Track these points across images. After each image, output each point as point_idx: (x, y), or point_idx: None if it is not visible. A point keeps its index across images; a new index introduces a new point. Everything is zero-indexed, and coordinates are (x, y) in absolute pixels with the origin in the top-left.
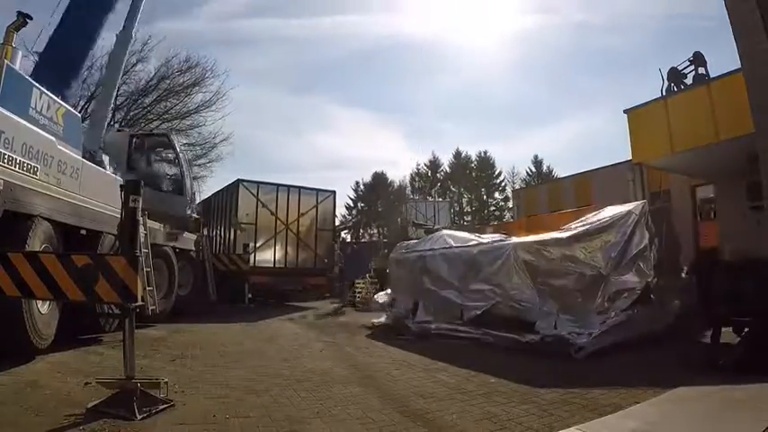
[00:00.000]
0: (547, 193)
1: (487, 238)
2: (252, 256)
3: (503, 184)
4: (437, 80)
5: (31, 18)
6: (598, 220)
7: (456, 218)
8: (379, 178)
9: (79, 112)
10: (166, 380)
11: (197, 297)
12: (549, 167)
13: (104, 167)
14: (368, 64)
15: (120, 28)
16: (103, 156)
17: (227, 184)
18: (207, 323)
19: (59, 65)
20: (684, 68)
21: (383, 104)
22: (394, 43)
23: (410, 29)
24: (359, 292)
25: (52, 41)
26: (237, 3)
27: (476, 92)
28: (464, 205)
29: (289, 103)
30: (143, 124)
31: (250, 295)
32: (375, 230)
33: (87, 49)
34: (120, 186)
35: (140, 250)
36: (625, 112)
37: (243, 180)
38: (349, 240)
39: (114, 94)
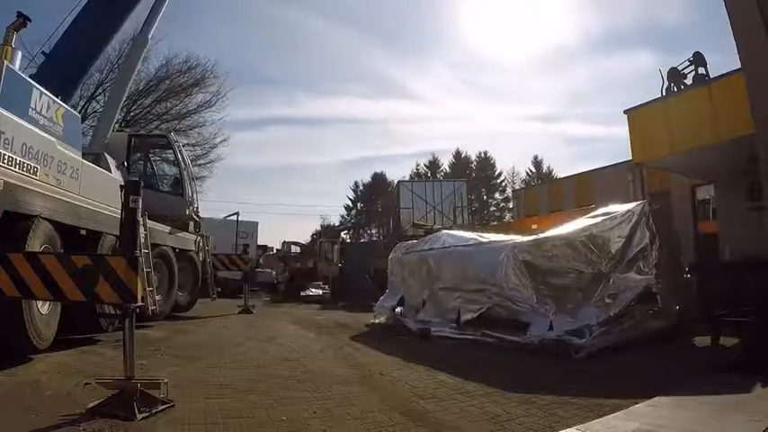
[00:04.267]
0: (547, 193)
1: (487, 237)
2: None
3: (503, 184)
4: None
5: (30, 20)
6: (599, 220)
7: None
8: (379, 178)
9: (78, 113)
10: (166, 380)
11: (197, 297)
12: (548, 167)
13: (109, 170)
14: None
15: (137, 31)
16: (108, 158)
17: None
18: (207, 323)
19: (67, 65)
20: (684, 68)
21: None
22: None
23: None
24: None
25: (65, 41)
26: None
27: None
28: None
29: None
30: (143, 125)
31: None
32: (375, 230)
33: (99, 52)
34: (120, 187)
35: (140, 251)
36: (625, 112)
37: None
38: (349, 240)
39: (125, 96)
